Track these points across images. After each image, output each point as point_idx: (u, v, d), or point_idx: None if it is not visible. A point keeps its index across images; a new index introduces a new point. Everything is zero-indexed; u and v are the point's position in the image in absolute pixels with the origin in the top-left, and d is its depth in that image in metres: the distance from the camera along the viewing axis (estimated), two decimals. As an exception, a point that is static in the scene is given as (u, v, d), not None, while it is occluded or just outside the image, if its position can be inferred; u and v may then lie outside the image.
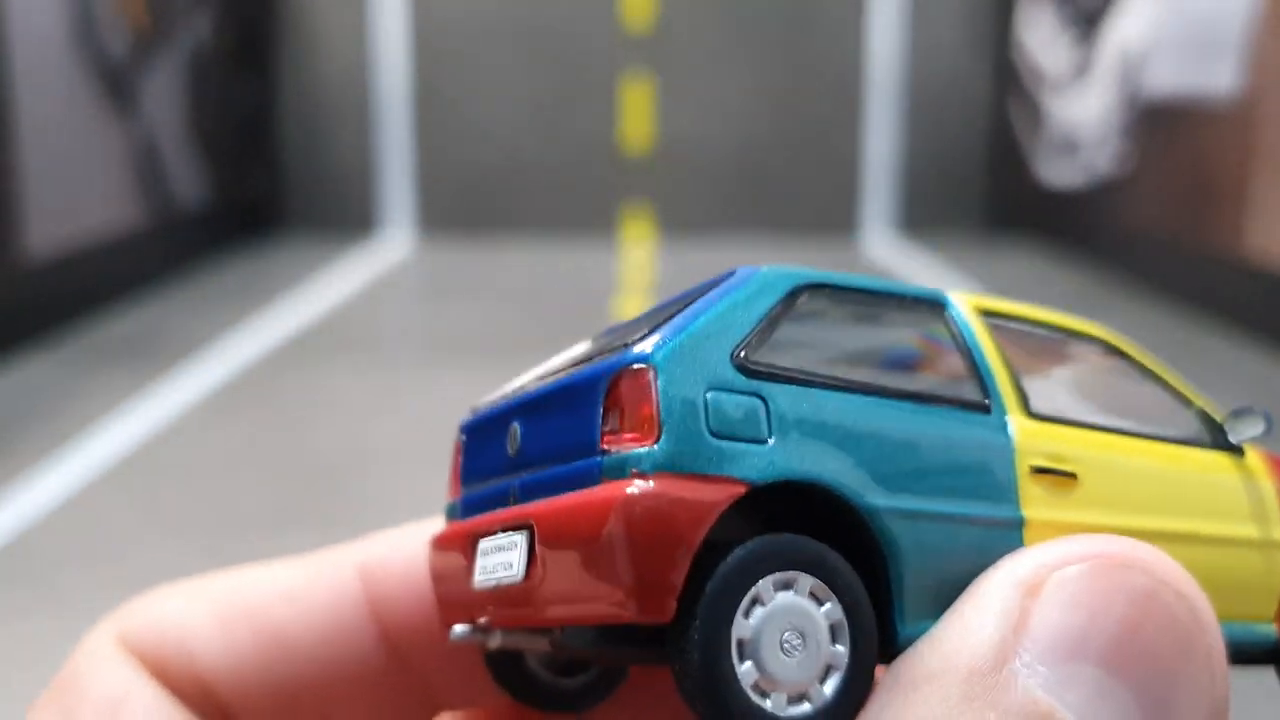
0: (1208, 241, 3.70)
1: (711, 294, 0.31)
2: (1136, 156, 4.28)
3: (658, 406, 0.28)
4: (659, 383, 0.28)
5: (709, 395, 0.28)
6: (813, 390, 0.29)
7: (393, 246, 5.47)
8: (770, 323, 0.30)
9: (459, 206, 5.76)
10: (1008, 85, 5.52)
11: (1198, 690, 0.27)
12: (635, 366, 0.28)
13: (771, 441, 0.28)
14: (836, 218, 5.78)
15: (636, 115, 5.74)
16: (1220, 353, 3.35)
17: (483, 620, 0.32)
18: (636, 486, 0.27)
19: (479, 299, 4.28)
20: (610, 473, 0.28)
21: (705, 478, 0.27)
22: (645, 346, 0.29)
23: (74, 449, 2.56)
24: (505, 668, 0.35)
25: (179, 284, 4.39)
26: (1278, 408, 2.81)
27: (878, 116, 5.73)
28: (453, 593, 0.34)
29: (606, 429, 0.29)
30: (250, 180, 5.39)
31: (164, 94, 4.41)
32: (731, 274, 0.31)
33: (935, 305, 0.33)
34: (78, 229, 3.68)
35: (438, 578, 0.35)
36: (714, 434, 0.28)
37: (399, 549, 0.37)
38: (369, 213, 5.77)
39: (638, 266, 4.99)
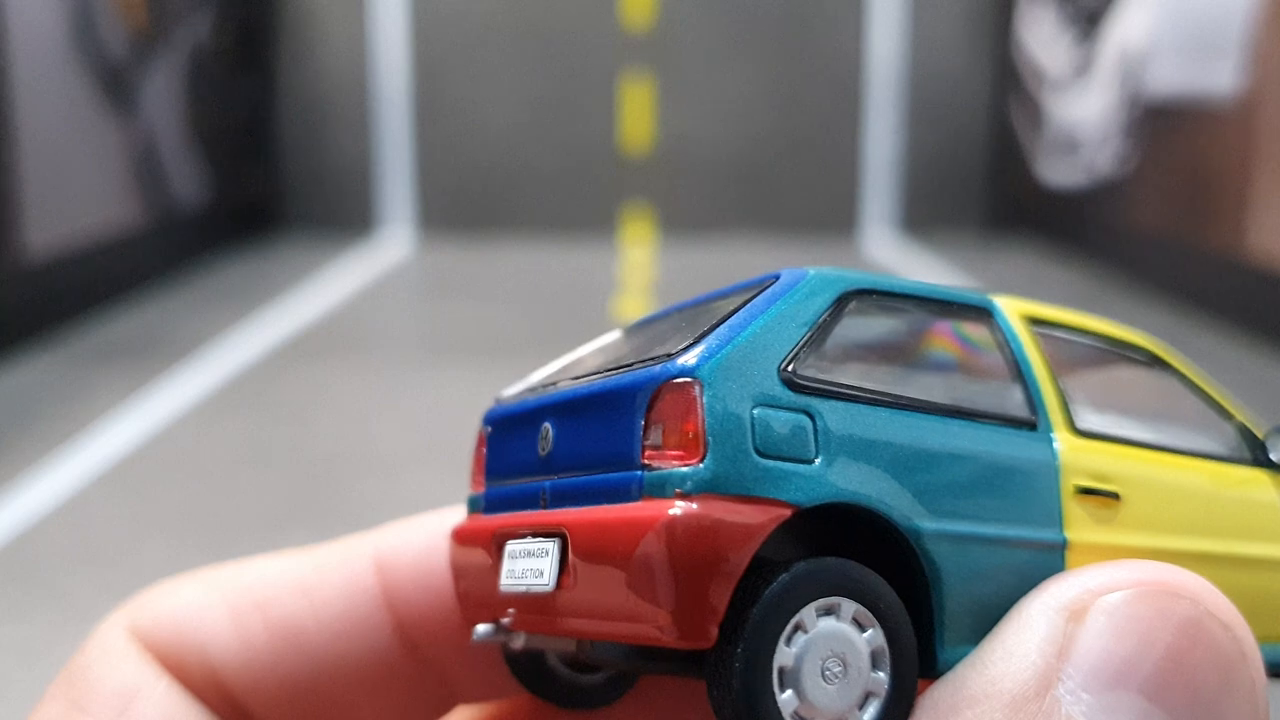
0: (1208, 241, 3.70)
1: (758, 300, 0.29)
2: (1137, 156, 4.28)
3: (703, 424, 0.26)
4: (705, 398, 0.27)
5: (756, 412, 0.27)
6: (860, 406, 0.28)
7: (392, 246, 5.46)
8: (819, 332, 0.29)
9: (459, 206, 5.76)
10: (1008, 85, 5.51)
11: None
12: (679, 380, 0.27)
13: (818, 461, 0.27)
14: (837, 217, 5.78)
15: (636, 115, 5.74)
16: (1220, 353, 3.35)
17: (505, 621, 0.31)
18: (680, 508, 0.26)
19: (479, 299, 4.27)
20: (651, 490, 0.27)
21: (750, 499, 0.26)
22: (689, 359, 0.27)
23: (74, 449, 2.56)
24: (524, 664, 0.35)
25: (179, 284, 4.39)
26: (1278, 408, 2.80)
27: (878, 116, 5.73)
28: (475, 590, 0.33)
29: (648, 443, 0.27)
30: (250, 180, 5.38)
31: (163, 94, 4.41)
32: (776, 277, 0.30)
33: (982, 312, 0.32)
34: (77, 229, 3.68)
35: (459, 573, 0.34)
36: (760, 453, 0.27)
37: (414, 540, 0.36)
38: (369, 213, 5.76)
39: (638, 267, 4.98)
